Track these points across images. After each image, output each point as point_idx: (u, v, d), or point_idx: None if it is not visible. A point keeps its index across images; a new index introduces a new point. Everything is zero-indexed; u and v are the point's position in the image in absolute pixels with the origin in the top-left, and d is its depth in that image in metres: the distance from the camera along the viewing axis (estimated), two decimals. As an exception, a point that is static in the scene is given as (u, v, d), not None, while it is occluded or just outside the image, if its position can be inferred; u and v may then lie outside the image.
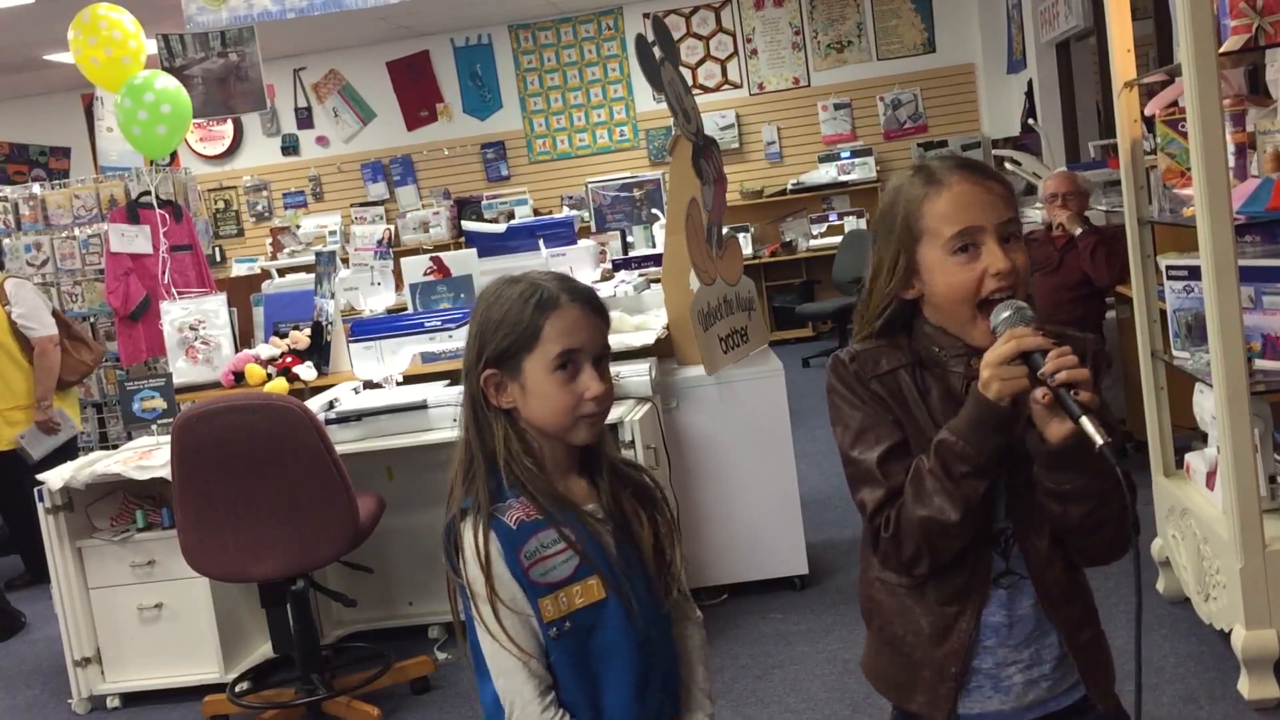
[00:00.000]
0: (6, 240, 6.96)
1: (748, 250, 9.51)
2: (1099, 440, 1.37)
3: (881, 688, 1.71)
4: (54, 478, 3.87)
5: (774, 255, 9.89)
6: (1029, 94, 8.65)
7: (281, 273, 7.15)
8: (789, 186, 9.97)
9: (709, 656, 1.80)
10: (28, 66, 9.24)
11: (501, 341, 1.61)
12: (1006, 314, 1.47)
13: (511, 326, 1.61)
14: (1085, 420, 1.38)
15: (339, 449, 3.44)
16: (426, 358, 4.43)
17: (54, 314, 5.52)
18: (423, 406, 3.82)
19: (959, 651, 1.59)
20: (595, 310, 1.65)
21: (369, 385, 4.27)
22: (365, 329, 4.10)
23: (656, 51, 4.31)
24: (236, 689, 3.76)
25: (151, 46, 6.01)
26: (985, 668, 1.60)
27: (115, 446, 5.05)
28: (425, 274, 5.00)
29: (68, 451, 5.27)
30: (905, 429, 1.58)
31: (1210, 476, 3.28)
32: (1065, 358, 1.40)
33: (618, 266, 6.33)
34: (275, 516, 3.31)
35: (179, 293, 5.66)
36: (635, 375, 3.90)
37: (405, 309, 5.08)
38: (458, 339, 3.98)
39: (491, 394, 1.63)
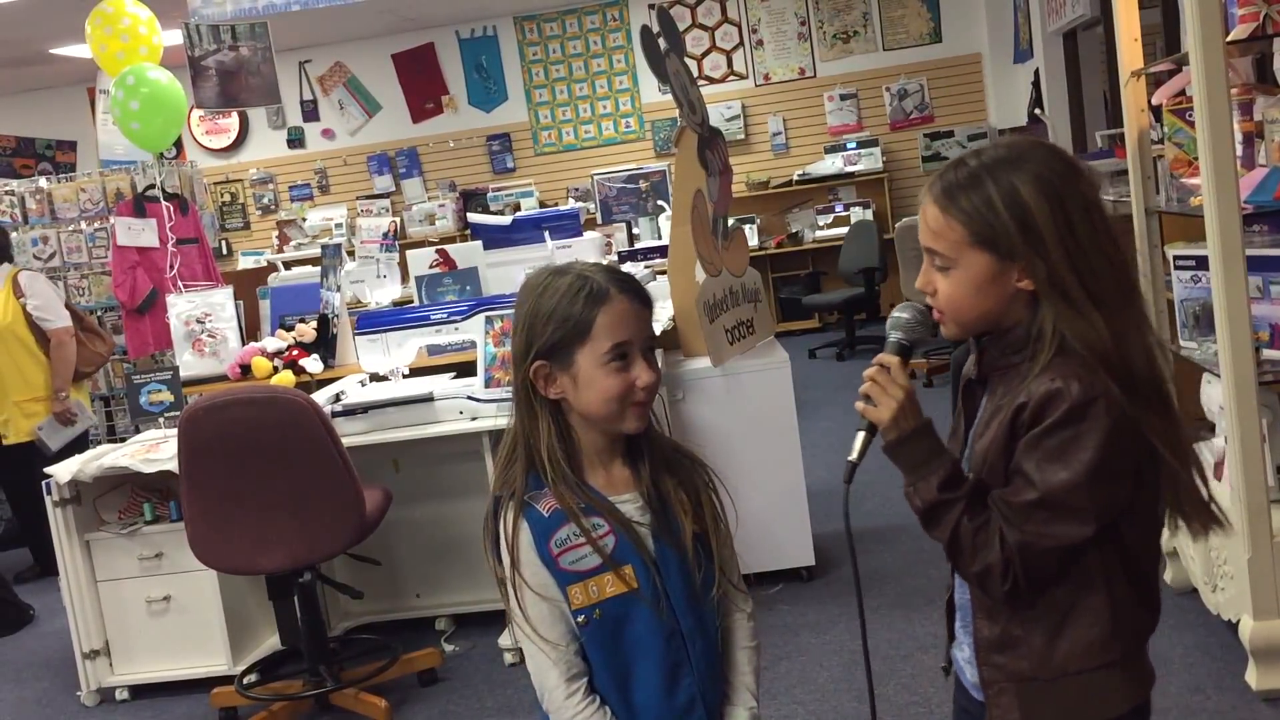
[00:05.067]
0: (14, 235, 6.98)
1: (754, 241, 9.50)
2: (852, 455, 1.58)
3: None
4: (62, 471, 3.88)
5: (780, 246, 9.88)
6: (1035, 83, 8.63)
7: (288, 265, 7.16)
8: (795, 177, 9.95)
9: (757, 649, 1.79)
10: (34, 60, 9.25)
11: (553, 334, 1.61)
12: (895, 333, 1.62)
13: (563, 319, 1.61)
14: (860, 434, 1.58)
15: (345, 442, 3.45)
16: (432, 350, 4.43)
17: (66, 306, 5.54)
18: (429, 399, 3.83)
19: (948, 612, 1.73)
20: (643, 301, 1.66)
21: (375, 378, 4.28)
22: (371, 322, 4.10)
23: (662, 43, 4.30)
24: (244, 681, 3.77)
25: (167, 39, 6.02)
26: (957, 635, 1.70)
27: (123, 440, 5.07)
28: (431, 266, 5.00)
29: (79, 445, 5.29)
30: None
31: (1218, 467, 3.27)
32: (868, 371, 1.56)
33: (623, 258, 6.32)
34: (282, 509, 3.32)
35: (185, 286, 5.68)
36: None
37: (411, 302, 5.08)
38: (464, 332, 3.98)
39: (540, 385, 1.63)
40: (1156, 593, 1.58)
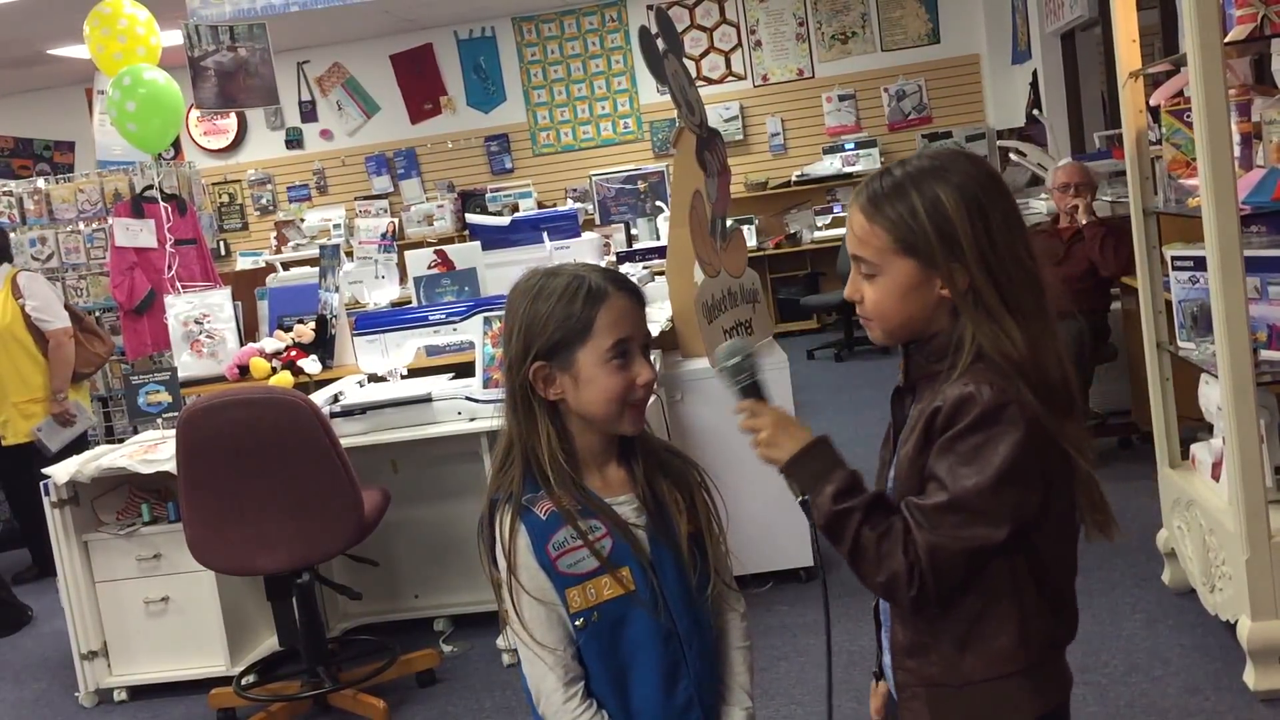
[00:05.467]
0: (12, 235, 6.97)
1: (752, 242, 9.49)
2: (797, 497, 1.58)
3: None
4: (60, 471, 3.87)
5: (778, 247, 9.88)
6: (1034, 85, 8.63)
7: (286, 266, 7.16)
8: (793, 178, 9.95)
9: (751, 649, 1.79)
10: (32, 61, 9.24)
11: (553, 334, 1.61)
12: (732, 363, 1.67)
13: (563, 319, 1.61)
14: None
15: (344, 442, 3.44)
16: (431, 351, 4.43)
17: (66, 306, 5.54)
18: (427, 400, 3.82)
19: (876, 620, 1.71)
20: (639, 299, 1.66)
21: (373, 379, 4.27)
22: (369, 322, 4.10)
23: (660, 43, 4.30)
24: (243, 682, 3.77)
25: (166, 40, 6.02)
26: (883, 641, 1.70)
27: (121, 440, 5.06)
28: (429, 267, 5.00)
29: (78, 445, 5.29)
30: None
31: (1216, 467, 3.28)
32: (744, 420, 1.64)
33: (622, 259, 6.33)
34: (280, 510, 3.32)
35: (184, 287, 5.67)
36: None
37: (409, 302, 5.08)
38: (462, 332, 3.98)
39: (539, 386, 1.63)
40: (1071, 603, 1.59)
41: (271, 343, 4.64)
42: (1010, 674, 1.53)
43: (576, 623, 1.62)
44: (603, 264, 5.79)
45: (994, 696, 1.54)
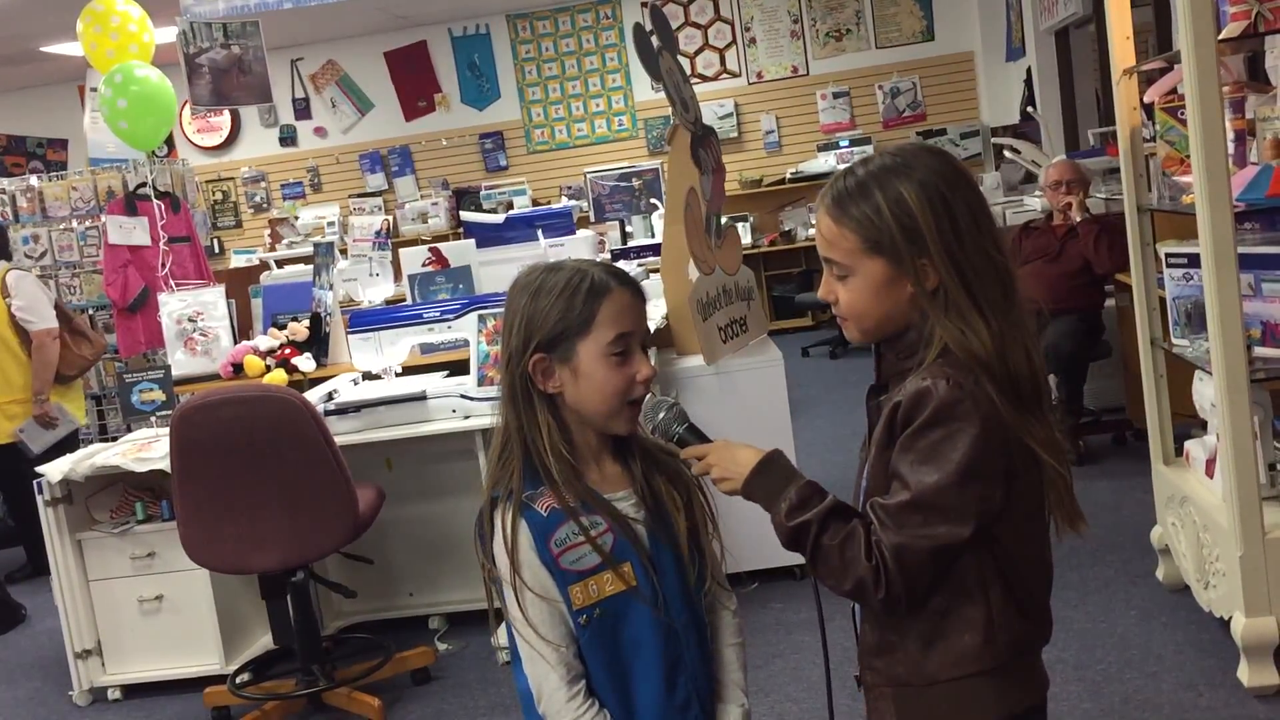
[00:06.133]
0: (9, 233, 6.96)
1: (747, 240, 9.49)
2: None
3: None
4: (53, 470, 3.87)
5: (773, 244, 9.88)
6: (1028, 82, 8.64)
7: (280, 264, 7.15)
8: (788, 176, 9.95)
9: (744, 646, 1.79)
10: (25, 58, 9.22)
11: (555, 326, 1.61)
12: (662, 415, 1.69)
13: (564, 311, 1.61)
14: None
15: (338, 440, 3.44)
16: (425, 349, 4.42)
17: (56, 307, 5.50)
18: (421, 398, 3.82)
19: (854, 622, 1.72)
20: (639, 294, 1.67)
21: (368, 376, 4.27)
22: (364, 320, 4.09)
23: (654, 41, 4.30)
24: (237, 680, 3.76)
25: (160, 38, 6.00)
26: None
27: (114, 439, 5.05)
28: (424, 265, 4.98)
29: (69, 445, 5.27)
30: None
31: (1210, 464, 3.28)
32: (695, 467, 1.65)
33: (616, 257, 6.33)
34: (275, 508, 3.32)
35: (177, 284, 5.66)
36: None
37: (404, 300, 5.07)
38: (457, 330, 3.98)
39: (539, 379, 1.63)
40: (1042, 605, 1.59)
41: (265, 340, 4.64)
42: (975, 674, 1.52)
43: (579, 620, 1.62)
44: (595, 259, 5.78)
45: (958, 696, 1.53)
